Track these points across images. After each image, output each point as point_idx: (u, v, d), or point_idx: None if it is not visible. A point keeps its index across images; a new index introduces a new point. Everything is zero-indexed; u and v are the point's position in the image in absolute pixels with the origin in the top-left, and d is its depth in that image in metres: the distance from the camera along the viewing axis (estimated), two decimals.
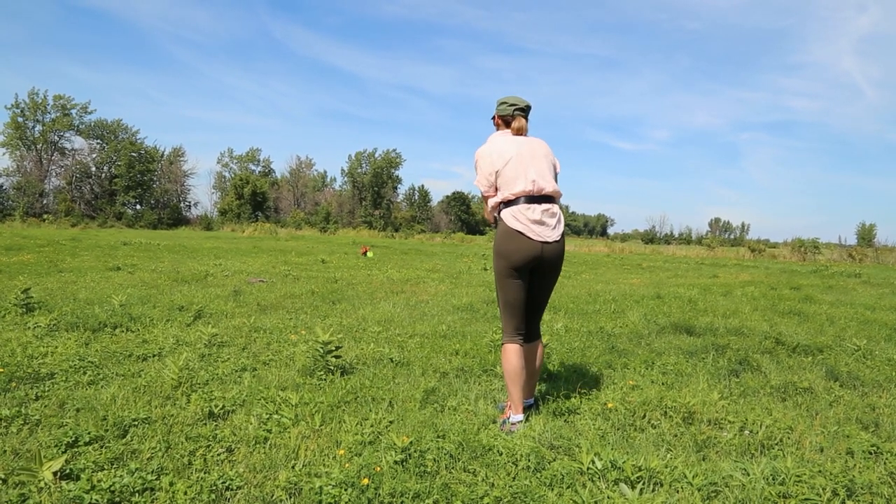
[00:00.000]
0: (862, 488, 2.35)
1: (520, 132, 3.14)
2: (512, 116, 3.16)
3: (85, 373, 3.68)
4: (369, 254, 17.18)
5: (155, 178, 58.51)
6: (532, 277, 3.09)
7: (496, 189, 3.07)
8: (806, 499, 2.20)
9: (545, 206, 3.02)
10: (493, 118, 3.28)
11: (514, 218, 2.98)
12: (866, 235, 58.79)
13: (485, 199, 3.16)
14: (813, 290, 10.57)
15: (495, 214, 3.13)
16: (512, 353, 3.03)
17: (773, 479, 2.35)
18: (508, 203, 3.02)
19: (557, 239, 3.02)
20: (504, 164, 3.02)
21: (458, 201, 79.88)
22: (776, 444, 2.85)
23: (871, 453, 2.71)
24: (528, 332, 3.19)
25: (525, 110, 3.18)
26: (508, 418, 3.03)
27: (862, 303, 8.67)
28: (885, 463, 2.59)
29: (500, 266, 3.04)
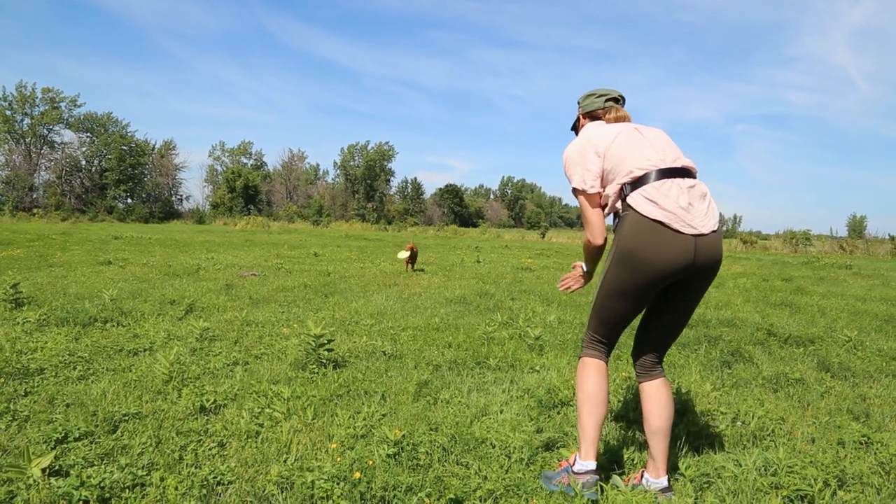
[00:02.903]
0: (853, 478, 2.37)
1: (620, 121, 2.32)
2: (604, 109, 2.36)
3: (75, 368, 3.65)
4: (404, 255, 10.15)
5: (146, 172, 58.05)
6: (670, 291, 2.14)
7: (603, 179, 2.17)
8: (798, 489, 2.21)
9: (690, 181, 2.06)
10: (576, 123, 2.48)
11: (650, 201, 2.00)
12: (857, 227, 59.49)
13: (587, 203, 2.19)
14: (804, 281, 10.64)
15: (617, 206, 2.15)
16: (592, 371, 2.21)
17: (765, 470, 2.35)
18: (636, 183, 2.06)
19: (714, 229, 2.04)
20: (611, 141, 2.15)
21: (451, 194, 79.89)
22: (768, 434, 2.87)
23: (861, 443, 2.72)
24: (648, 361, 2.26)
25: (619, 100, 2.39)
26: (572, 464, 2.20)
27: (853, 294, 8.74)
28: (875, 453, 2.61)
29: (624, 278, 2.07)
